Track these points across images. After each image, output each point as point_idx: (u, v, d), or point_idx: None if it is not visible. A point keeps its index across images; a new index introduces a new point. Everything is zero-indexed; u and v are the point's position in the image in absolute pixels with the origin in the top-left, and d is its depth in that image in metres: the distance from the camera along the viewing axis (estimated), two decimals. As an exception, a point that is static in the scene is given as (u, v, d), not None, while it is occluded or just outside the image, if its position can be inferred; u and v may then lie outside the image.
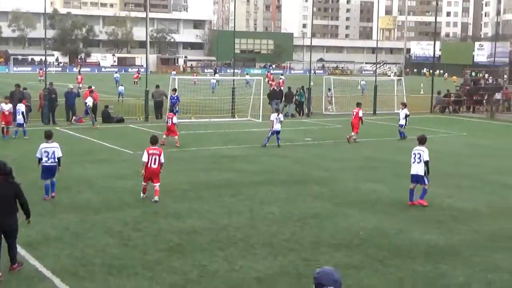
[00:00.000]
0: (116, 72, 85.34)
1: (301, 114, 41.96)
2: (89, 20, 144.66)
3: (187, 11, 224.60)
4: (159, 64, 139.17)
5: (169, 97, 36.23)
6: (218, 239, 13.03)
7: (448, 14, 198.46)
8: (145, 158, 16.26)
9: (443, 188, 18.84)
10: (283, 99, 41.98)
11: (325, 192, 17.95)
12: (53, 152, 16.39)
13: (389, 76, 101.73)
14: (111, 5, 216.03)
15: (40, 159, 16.42)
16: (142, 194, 16.53)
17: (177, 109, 35.84)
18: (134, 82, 76.82)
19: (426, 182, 16.44)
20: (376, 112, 44.80)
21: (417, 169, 16.47)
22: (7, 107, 27.95)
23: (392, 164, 23.26)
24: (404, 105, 31.17)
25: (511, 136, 34.74)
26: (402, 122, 30.34)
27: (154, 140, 16.74)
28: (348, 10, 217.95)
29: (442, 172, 21.61)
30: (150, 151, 16.34)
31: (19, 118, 27.86)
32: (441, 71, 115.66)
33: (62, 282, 10.50)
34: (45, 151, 16.37)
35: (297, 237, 13.35)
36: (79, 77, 69.59)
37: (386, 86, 50.15)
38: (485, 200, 17.25)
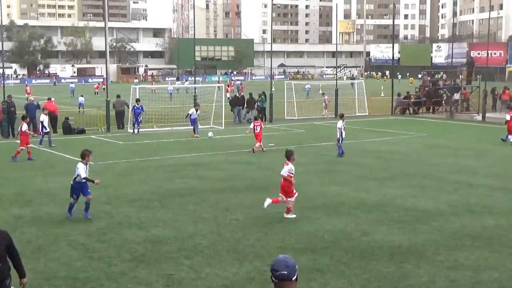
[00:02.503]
0: (71, 83, 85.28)
1: (264, 120, 42.07)
2: (47, 31, 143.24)
3: (146, 19, 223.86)
4: (120, 73, 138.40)
5: (131, 108, 36.03)
6: (183, 248, 12.97)
7: (406, 16, 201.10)
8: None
9: (405, 188, 19.09)
10: (245, 105, 42.10)
11: (289, 197, 17.95)
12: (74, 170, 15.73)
13: (343, 79, 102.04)
14: (69, 15, 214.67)
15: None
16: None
17: (140, 119, 35.71)
18: (95, 92, 76.33)
19: None
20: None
21: None
22: None
23: (354, 166, 23.45)
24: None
25: (471, 135, 35.23)
26: None
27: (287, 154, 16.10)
28: (307, 15, 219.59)
29: (404, 173, 21.90)
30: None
31: None
32: (384, 73, 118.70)
33: (26, 297, 10.31)
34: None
35: (263, 242, 13.36)
36: (28, 88, 69.62)
37: (345, 89, 50.51)
38: (447, 199, 17.47)
